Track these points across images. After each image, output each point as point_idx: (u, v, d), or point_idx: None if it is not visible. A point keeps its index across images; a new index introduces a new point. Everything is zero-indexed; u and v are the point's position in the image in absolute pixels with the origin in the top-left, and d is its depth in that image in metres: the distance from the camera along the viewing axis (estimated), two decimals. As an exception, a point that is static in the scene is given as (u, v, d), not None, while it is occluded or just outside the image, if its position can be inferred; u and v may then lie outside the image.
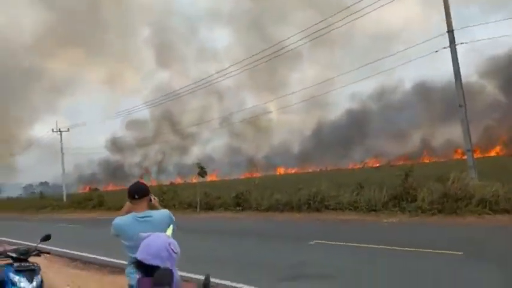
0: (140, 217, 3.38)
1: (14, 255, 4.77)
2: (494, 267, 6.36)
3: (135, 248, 3.31)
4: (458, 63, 16.12)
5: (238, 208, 20.31)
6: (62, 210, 36.28)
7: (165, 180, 47.96)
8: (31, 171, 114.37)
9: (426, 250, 7.73)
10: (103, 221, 21.94)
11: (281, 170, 52.47)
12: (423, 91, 49.69)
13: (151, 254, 2.28)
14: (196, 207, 23.00)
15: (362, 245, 8.94)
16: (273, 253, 8.94)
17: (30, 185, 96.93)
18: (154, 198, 3.61)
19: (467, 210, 12.16)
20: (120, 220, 3.41)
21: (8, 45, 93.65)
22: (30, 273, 4.66)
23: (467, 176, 14.17)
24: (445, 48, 16.44)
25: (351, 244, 9.10)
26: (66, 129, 43.71)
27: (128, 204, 3.69)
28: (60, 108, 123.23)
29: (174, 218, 3.50)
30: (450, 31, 16.11)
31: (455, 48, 16.06)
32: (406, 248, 8.05)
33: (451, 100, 21.23)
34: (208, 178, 28.66)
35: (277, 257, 8.45)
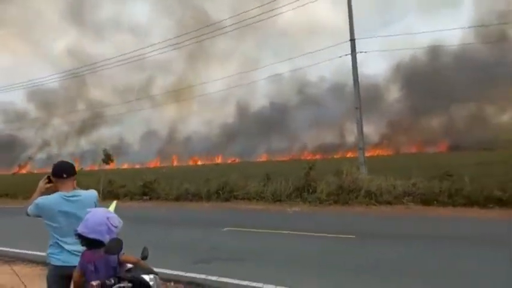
0: (69, 196, 3.35)
1: None
2: (381, 247, 7.61)
3: (59, 227, 3.32)
4: (357, 70, 18.10)
5: (145, 197, 19.89)
6: None
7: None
8: None
9: (325, 234, 8.80)
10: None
11: (196, 160, 52.00)
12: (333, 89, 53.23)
13: (89, 228, 2.44)
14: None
15: (270, 231, 9.70)
16: (187, 239, 9.18)
17: None
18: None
19: (357, 202, 13.90)
20: (46, 199, 3.34)
21: None
22: None
23: (358, 171, 16.13)
24: (347, 55, 18.34)
25: (260, 230, 9.81)
26: None
27: (40, 186, 3.58)
28: None
29: (99, 199, 3.54)
30: (352, 40, 17.99)
31: (356, 56, 18.01)
32: (309, 233, 9.05)
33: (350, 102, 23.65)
34: (119, 165, 27.15)
35: (191, 242, 8.72)
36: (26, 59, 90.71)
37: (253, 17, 21.16)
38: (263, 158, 47.74)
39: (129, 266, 2.60)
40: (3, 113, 61.50)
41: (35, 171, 54.21)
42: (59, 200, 3.32)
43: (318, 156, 36.59)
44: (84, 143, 64.15)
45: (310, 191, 15.25)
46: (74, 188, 3.43)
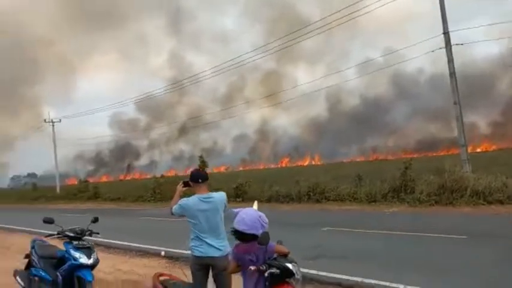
0: (204, 198, 3.93)
1: (71, 234, 5.23)
2: (499, 247, 7.06)
3: (198, 224, 3.86)
4: (453, 63, 16.85)
5: (238, 199, 20.86)
6: (57, 201, 36.26)
7: (161, 172, 47.82)
8: (18, 163, 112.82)
9: (433, 235, 8.39)
10: (107, 210, 22.23)
11: (285, 161, 52.43)
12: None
13: (248, 225, 2.81)
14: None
15: (370, 231, 9.57)
16: (291, 238, 9.45)
17: (18, 176, 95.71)
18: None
19: (463, 201, 12.92)
20: (187, 201, 3.96)
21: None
22: (88, 250, 5.13)
23: (461, 169, 14.98)
24: (441, 48, 17.18)
25: (360, 230, 9.73)
26: (58, 120, 43.54)
27: (179, 189, 4.23)
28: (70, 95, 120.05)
29: (225, 198, 4.07)
30: (446, 33, 16.81)
31: (451, 49, 16.78)
32: (413, 233, 8.72)
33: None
34: (215, 170, 28.86)
35: (296, 241, 8.94)
36: (134, 75, 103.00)
37: (343, 17, 20.70)
38: (356, 157, 45.79)
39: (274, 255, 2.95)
40: (120, 123, 69.93)
41: (137, 177, 60.37)
42: (197, 201, 3.91)
43: (415, 155, 34.27)
44: (183, 147, 69.17)
45: (408, 191, 14.59)
46: (208, 191, 4.00)
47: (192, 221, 3.91)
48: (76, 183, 50.33)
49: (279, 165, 50.29)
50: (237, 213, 2.95)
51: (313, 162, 47.26)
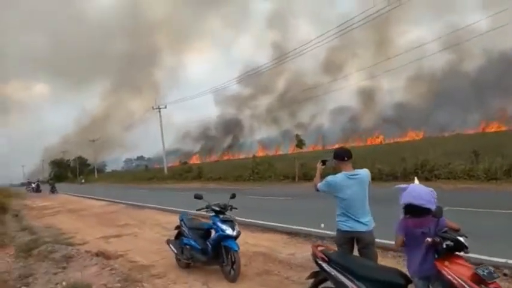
0: (351, 175, 4.08)
1: (216, 208, 5.89)
2: None
3: (346, 200, 4.02)
4: None
5: (337, 178, 20.76)
6: (166, 181, 40.15)
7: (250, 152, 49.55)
8: (129, 146, 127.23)
9: None
10: (214, 189, 23.89)
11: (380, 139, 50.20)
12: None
13: (425, 200, 2.91)
14: (293, 178, 23.94)
15: (497, 210, 8.89)
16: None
17: (130, 159, 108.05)
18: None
19: None
20: (335, 178, 4.15)
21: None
22: (231, 223, 5.74)
23: None
24: None
25: (486, 210, 9.08)
26: (164, 107, 47.74)
27: (318, 167, 4.43)
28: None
29: (370, 175, 4.19)
30: None
31: None
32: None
33: None
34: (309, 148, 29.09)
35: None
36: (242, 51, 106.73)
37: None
38: (474, 129, 40.95)
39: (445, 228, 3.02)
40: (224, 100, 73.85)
41: (234, 157, 63.57)
42: (344, 178, 4.07)
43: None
44: (283, 126, 70.78)
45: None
46: (352, 169, 4.14)
47: (339, 196, 4.11)
48: (178, 164, 55.06)
49: (374, 143, 48.27)
50: (404, 188, 3.07)
51: (416, 137, 44.03)
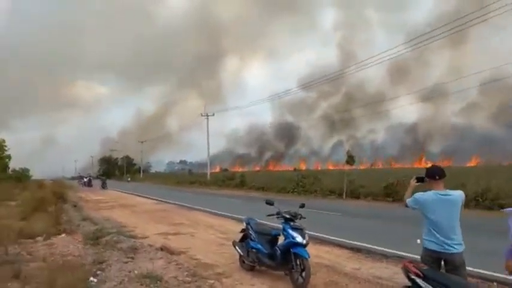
0: (441, 194, 3.95)
1: (287, 216, 5.94)
2: None
3: (433, 218, 3.89)
4: None
5: (388, 199, 20.14)
6: (209, 186, 40.84)
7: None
8: (173, 150, 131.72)
9: None
10: (258, 198, 24.01)
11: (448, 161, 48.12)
12: None
13: None
14: (339, 194, 23.49)
15: None
16: (490, 245, 8.73)
17: (172, 162, 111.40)
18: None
19: None
20: (423, 195, 4.04)
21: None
22: (301, 231, 5.75)
23: None
24: None
25: None
26: (212, 114, 48.93)
27: (411, 183, 4.32)
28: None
29: (464, 198, 3.98)
30: None
31: None
32: None
33: None
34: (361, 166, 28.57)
35: (494, 248, 8.23)
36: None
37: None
38: None
39: None
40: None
41: (275, 169, 63.58)
42: (434, 197, 3.96)
43: None
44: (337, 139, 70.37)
45: None
46: (444, 188, 4.02)
47: (427, 214, 4.00)
48: (218, 171, 55.78)
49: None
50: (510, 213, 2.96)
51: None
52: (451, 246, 3.87)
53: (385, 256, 7.39)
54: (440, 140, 57.00)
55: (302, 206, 6.26)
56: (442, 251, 3.91)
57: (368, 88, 66.19)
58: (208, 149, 49.34)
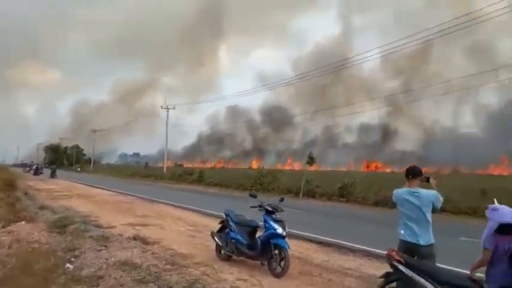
0: (412, 191, 4.45)
1: (269, 208, 6.25)
2: None
3: (405, 212, 4.40)
4: None
5: (342, 199, 21.13)
6: (164, 180, 40.13)
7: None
8: (126, 142, 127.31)
9: None
10: (219, 194, 23.91)
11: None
12: None
13: None
14: (296, 194, 24.24)
15: None
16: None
17: (125, 154, 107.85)
18: (433, 180, 4.61)
19: None
20: (398, 191, 4.57)
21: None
22: (282, 224, 6.10)
23: None
24: None
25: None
26: (173, 107, 48.19)
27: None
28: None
29: (441, 199, 4.37)
30: None
31: None
32: None
33: None
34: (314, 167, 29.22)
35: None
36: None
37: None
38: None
39: None
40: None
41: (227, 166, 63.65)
42: (405, 193, 4.47)
43: None
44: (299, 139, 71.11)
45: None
46: (418, 187, 4.51)
47: (399, 208, 4.50)
48: (171, 165, 54.90)
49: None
50: (495, 208, 3.46)
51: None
52: (418, 239, 4.33)
53: (350, 250, 7.94)
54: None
55: (281, 200, 6.61)
56: (412, 241, 4.38)
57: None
58: (166, 142, 48.60)
